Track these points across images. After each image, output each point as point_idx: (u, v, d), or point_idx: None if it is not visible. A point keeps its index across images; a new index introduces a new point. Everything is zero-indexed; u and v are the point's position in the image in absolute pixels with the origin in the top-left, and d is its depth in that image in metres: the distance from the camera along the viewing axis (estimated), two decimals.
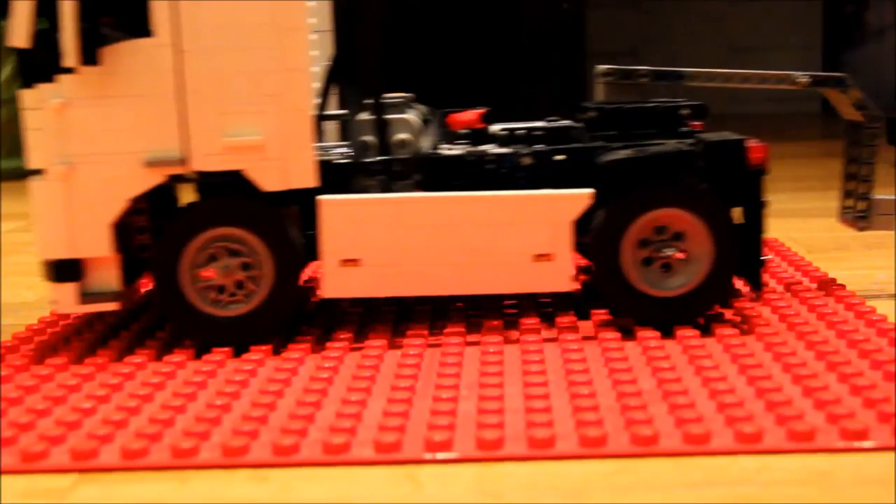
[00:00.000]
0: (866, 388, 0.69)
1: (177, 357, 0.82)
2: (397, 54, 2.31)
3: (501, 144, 0.88)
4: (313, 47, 1.01)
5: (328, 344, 0.84)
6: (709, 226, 0.84)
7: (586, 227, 0.84)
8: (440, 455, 0.63)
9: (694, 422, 0.65)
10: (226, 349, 0.83)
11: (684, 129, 0.90)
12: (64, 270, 0.82)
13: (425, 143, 0.88)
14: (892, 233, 1.25)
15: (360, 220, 0.83)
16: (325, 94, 0.90)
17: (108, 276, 0.83)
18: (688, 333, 0.83)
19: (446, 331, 0.87)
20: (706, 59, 3.10)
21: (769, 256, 0.93)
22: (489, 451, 0.63)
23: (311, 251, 0.85)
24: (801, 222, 1.37)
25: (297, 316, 0.91)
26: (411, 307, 0.94)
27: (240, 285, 0.84)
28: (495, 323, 0.89)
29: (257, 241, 0.83)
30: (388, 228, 0.83)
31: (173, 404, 0.71)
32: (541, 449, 0.63)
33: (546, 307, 0.94)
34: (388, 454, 0.63)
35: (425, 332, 0.87)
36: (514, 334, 0.86)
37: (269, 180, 0.82)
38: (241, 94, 0.81)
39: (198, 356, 0.83)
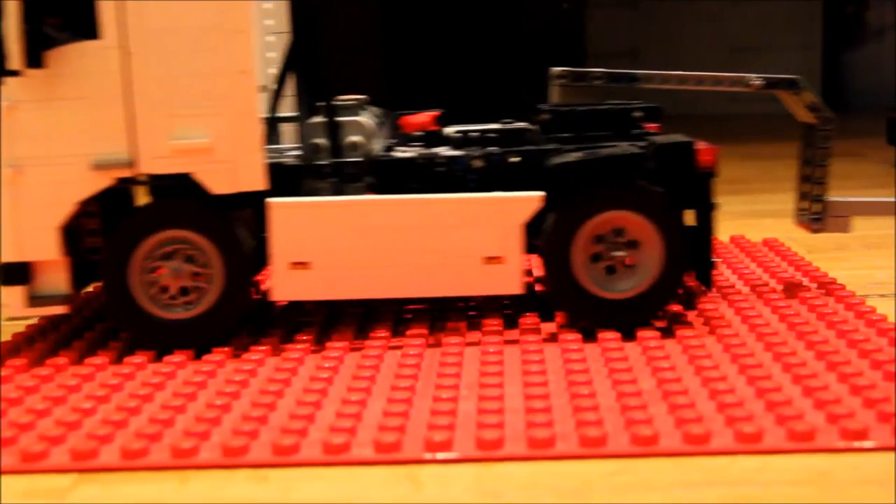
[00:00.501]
0: (866, 388, 0.69)
1: (177, 357, 0.82)
2: (397, 54, 2.31)
3: (455, 147, 0.88)
4: (273, 49, 1.01)
5: (328, 344, 0.84)
6: (659, 228, 0.84)
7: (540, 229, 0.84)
8: (440, 455, 0.63)
9: (694, 422, 0.65)
10: (225, 349, 0.83)
11: (638, 131, 0.90)
12: (12, 274, 0.82)
13: (377, 146, 0.88)
14: (893, 233, 1.26)
15: (310, 223, 0.83)
16: (277, 96, 0.90)
17: (57, 279, 0.83)
18: (687, 333, 0.83)
19: (446, 331, 0.87)
20: (706, 59, 3.10)
21: (719, 259, 0.93)
22: (489, 451, 0.63)
23: (264, 254, 0.85)
24: None
25: (251, 319, 0.90)
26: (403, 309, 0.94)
27: (184, 290, 0.83)
28: (495, 323, 0.89)
29: (207, 244, 0.83)
30: (337, 231, 0.83)
31: (173, 404, 0.71)
32: (541, 449, 0.63)
33: (508, 308, 0.94)
34: (388, 454, 0.63)
35: (425, 332, 0.87)
36: (515, 333, 0.86)
37: (218, 183, 0.82)
38: (189, 96, 0.81)
39: (197, 356, 0.83)
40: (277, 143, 0.94)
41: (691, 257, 0.87)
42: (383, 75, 2.15)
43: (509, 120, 0.90)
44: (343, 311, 0.93)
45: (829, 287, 0.98)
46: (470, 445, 0.64)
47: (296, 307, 0.95)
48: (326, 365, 0.79)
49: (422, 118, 0.90)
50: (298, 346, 0.84)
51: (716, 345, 0.82)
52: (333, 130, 0.87)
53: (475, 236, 0.83)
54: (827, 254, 1.17)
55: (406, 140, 0.90)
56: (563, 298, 0.85)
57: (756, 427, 0.63)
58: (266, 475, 0.62)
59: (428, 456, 0.63)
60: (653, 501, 0.57)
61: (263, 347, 0.84)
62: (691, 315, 0.90)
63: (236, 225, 0.84)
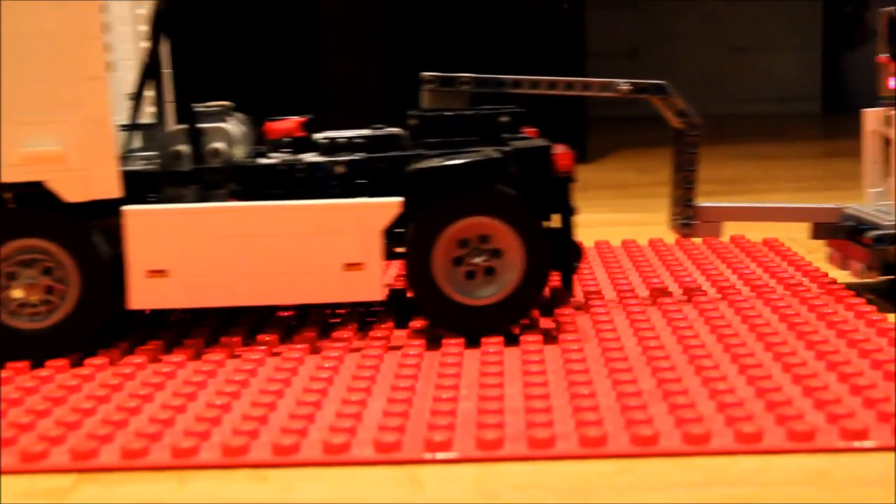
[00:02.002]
0: (866, 388, 0.69)
1: (177, 357, 0.82)
2: (397, 55, 2.31)
3: (323, 153, 0.87)
4: (134, 54, 0.99)
5: (328, 344, 0.84)
6: (519, 234, 0.84)
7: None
8: (440, 455, 0.63)
9: (694, 422, 0.65)
10: (225, 349, 0.83)
11: (512, 135, 0.89)
12: None
13: (240, 152, 0.88)
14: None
15: (167, 231, 0.82)
16: (136, 102, 0.89)
17: None
18: (687, 333, 0.83)
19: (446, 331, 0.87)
20: (706, 59, 3.11)
21: (577, 265, 0.94)
22: (489, 451, 0.63)
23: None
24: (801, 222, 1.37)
25: (113, 327, 0.88)
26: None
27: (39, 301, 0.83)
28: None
29: (62, 253, 0.82)
30: (195, 238, 0.83)
31: (173, 404, 0.71)
32: (541, 449, 0.63)
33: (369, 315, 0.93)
34: (388, 454, 0.63)
35: (425, 332, 0.87)
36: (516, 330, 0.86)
37: (71, 191, 0.81)
38: (40, 103, 0.80)
39: (198, 356, 0.83)
40: (144, 150, 0.92)
41: (554, 262, 0.86)
42: (382, 75, 2.15)
43: (380, 126, 0.89)
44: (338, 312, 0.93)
45: (829, 287, 0.98)
46: (470, 445, 0.64)
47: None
48: (326, 365, 0.79)
49: (286, 124, 0.90)
50: (298, 347, 0.84)
51: (715, 344, 0.82)
52: (195, 137, 0.86)
53: (334, 243, 0.83)
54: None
55: (276, 146, 0.90)
56: (425, 305, 0.85)
57: (756, 427, 0.63)
58: (266, 475, 0.62)
59: (428, 456, 0.63)
60: (653, 501, 0.57)
61: (263, 347, 0.84)
62: (691, 315, 0.90)
63: (94, 233, 0.82)
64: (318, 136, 0.89)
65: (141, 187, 0.84)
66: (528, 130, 0.93)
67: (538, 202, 0.85)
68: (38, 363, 0.82)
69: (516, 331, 0.85)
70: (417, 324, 0.89)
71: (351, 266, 0.83)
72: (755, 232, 1.25)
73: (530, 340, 0.83)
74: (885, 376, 0.72)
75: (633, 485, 0.59)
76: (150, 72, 0.88)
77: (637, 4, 3.04)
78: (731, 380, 0.73)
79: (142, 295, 0.83)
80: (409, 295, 0.91)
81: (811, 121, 2.79)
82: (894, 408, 0.65)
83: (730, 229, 1.25)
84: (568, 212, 0.88)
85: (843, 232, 0.96)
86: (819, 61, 3.00)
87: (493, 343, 0.83)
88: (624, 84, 0.93)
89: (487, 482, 0.60)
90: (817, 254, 1.16)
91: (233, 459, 0.63)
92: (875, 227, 0.93)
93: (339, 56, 2.14)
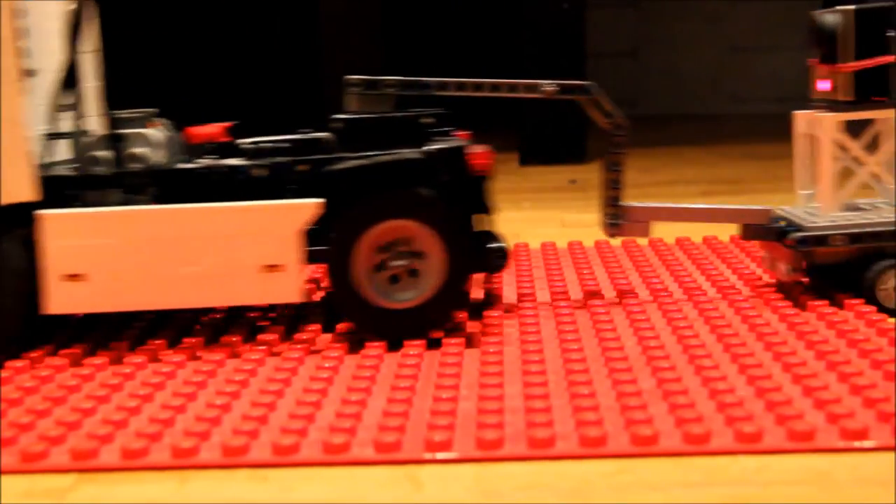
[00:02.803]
0: (866, 388, 0.69)
1: (177, 357, 0.82)
2: (396, 55, 2.31)
3: (249, 157, 0.87)
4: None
5: (328, 344, 0.84)
6: (440, 236, 0.83)
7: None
8: (440, 455, 0.63)
9: (694, 422, 0.65)
10: (225, 349, 0.83)
11: (439, 136, 0.89)
12: None
13: (161, 157, 0.87)
14: None
15: (83, 235, 0.82)
16: (56, 108, 0.88)
17: None
18: (687, 333, 0.83)
19: (446, 331, 0.87)
20: (706, 59, 3.10)
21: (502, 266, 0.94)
22: (489, 451, 0.63)
23: None
24: None
25: (35, 333, 0.88)
26: None
27: None
28: (495, 321, 0.89)
29: None
30: (112, 242, 0.82)
31: (173, 404, 0.71)
32: (541, 449, 0.63)
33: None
34: (388, 454, 0.63)
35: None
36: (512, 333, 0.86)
37: None
38: None
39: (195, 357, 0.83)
40: (69, 156, 0.91)
41: (475, 263, 0.86)
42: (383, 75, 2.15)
43: (307, 130, 0.89)
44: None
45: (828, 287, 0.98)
46: (470, 445, 0.64)
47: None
48: (326, 365, 0.79)
49: (209, 129, 0.90)
50: (298, 347, 0.84)
51: (716, 344, 0.82)
52: (115, 142, 0.86)
53: (253, 245, 0.83)
54: None
55: (200, 152, 0.89)
56: (346, 308, 0.85)
57: (756, 427, 0.63)
58: (266, 475, 0.62)
59: (428, 456, 0.63)
60: (653, 501, 0.57)
61: (263, 347, 0.84)
62: (690, 315, 0.90)
63: (6, 239, 0.82)
64: (243, 140, 0.88)
65: (61, 193, 0.84)
66: (460, 133, 0.93)
67: (456, 203, 0.85)
68: None
69: (439, 334, 0.85)
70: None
71: (270, 268, 0.83)
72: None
73: (530, 340, 0.83)
74: (885, 376, 0.72)
75: (633, 485, 0.59)
76: (68, 79, 0.87)
77: (637, 4, 3.04)
78: (731, 380, 0.73)
79: (58, 299, 0.83)
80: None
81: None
82: (894, 408, 0.65)
83: (731, 229, 1.25)
84: (484, 212, 0.87)
85: (770, 233, 0.96)
86: None
87: (493, 343, 0.83)
88: (549, 85, 0.93)
89: (487, 482, 0.60)
90: None
91: (233, 459, 0.63)
92: (800, 228, 0.93)
93: (339, 57, 2.13)
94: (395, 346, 0.83)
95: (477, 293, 1.00)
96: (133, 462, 0.64)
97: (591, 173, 1.97)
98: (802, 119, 0.99)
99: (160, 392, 0.75)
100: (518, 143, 2.16)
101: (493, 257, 0.88)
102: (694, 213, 1.01)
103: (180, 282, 0.83)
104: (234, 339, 0.86)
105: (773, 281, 1.02)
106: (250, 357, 0.81)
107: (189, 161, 0.88)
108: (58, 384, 0.77)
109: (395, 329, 0.84)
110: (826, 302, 0.92)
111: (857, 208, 0.97)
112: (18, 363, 0.82)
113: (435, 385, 0.73)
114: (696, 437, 0.63)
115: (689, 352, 0.79)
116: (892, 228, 0.91)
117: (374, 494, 0.59)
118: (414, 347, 0.82)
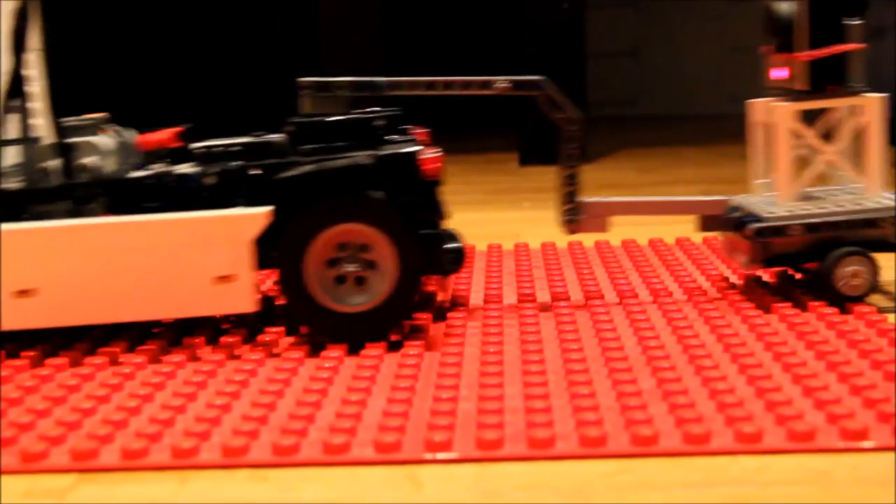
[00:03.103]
0: (866, 388, 0.69)
1: (177, 357, 0.82)
2: (396, 55, 2.31)
3: (200, 163, 0.87)
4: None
5: (328, 345, 0.84)
6: (391, 240, 0.83)
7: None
8: (440, 455, 0.63)
9: (694, 422, 0.65)
10: (225, 349, 0.83)
11: (402, 137, 0.89)
12: None
13: (111, 166, 0.87)
14: None
15: (33, 249, 0.81)
16: (2, 112, 0.87)
17: None
18: (687, 333, 0.83)
19: (446, 332, 0.87)
20: (706, 59, 3.10)
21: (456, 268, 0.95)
22: (489, 451, 0.63)
23: None
24: None
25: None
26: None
27: None
28: (496, 319, 0.89)
29: None
30: (63, 256, 0.82)
31: (173, 404, 0.71)
32: (541, 449, 0.63)
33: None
34: (388, 454, 0.63)
35: (425, 332, 0.87)
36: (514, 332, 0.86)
37: None
38: None
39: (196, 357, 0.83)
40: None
41: (427, 267, 0.86)
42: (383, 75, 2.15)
43: (260, 133, 0.89)
44: None
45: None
46: (470, 445, 0.64)
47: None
48: (326, 365, 0.79)
49: (160, 135, 0.89)
50: (298, 347, 0.84)
51: (715, 344, 0.82)
52: (64, 152, 0.85)
53: (204, 255, 0.82)
54: None
55: (154, 159, 0.89)
56: (298, 312, 0.84)
57: (756, 427, 0.63)
58: (266, 475, 0.62)
59: (428, 456, 0.63)
60: (653, 501, 0.57)
61: (263, 347, 0.84)
62: (690, 315, 0.90)
63: None
64: (195, 145, 0.88)
65: (8, 207, 0.83)
66: (418, 132, 0.93)
67: (408, 207, 0.84)
68: None
69: (395, 337, 0.85)
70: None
71: (222, 278, 0.83)
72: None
73: (530, 340, 0.83)
74: (885, 377, 0.72)
75: (633, 485, 0.59)
76: (14, 85, 0.86)
77: (637, 4, 3.04)
78: (731, 380, 0.73)
79: (9, 316, 0.82)
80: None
81: (811, 121, 2.78)
82: (894, 408, 0.65)
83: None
84: (437, 216, 0.87)
85: (728, 224, 0.96)
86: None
87: (493, 343, 0.83)
88: (502, 82, 0.93)
89: (487, 482, 0.60)
90: None
91: (233, 459, 0.63)
92: (757, 219, 0.92)
93: (339, 57, 2.13)
94: (354, 350, 0.82)
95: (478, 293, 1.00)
96: (133, 462, 0.64)
97: (591, 173, 1.97)
98: (758, 108, 0.99)
99: (160, 392, 0.75)
100: (518, 143, 2.16)
101: (445, 259, 0.88)
102: (651, 206, 1.00)
103: (132, 294, 0.82)
104: (232, 339, 0.86)
105: (773, 280, 1.02)
106: (250, 357, 0.81)
107: (140, 169, 0.87)
108: (58, 384, 0.77)
109: (348, 332, 0.84)
110: (826, 302, 0.92)
111: (814, 197, 0.97)
112: (18, 363, 0.82)
113: (435, 385, 0.73)
114: (696, 437, 0.63)
115: (689, 352, 0.79)
116: (849, 217, 0.91)
117: (374, 494, 0.59)
118: (414, 348, 0.82)
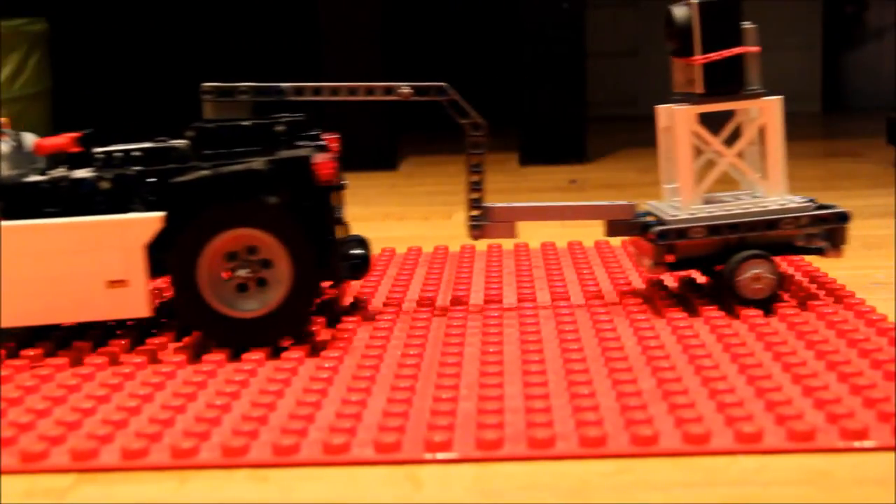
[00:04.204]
0: (866, 388, 0.69)
1: (177, 357, 0.82)
2: (395, 56, 2.31)
3: (98, 168, 0.86)
4: None
5: (327, 345, 0.84)
6: (285, 245, 0.82)
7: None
8: (440, 455, 0.63)
9: (694, 422, 0.65)
10: (225, 350, 0.83)
11: (311, 141, 0.90)
12: None
13: (6, 171, 0.86)
14: (892, 233, 1.25)
15: None
16: None
17: None
18: (687, 333, 0.83)
19: (446, 331, 0.87)
20: None
21: (358, 275, 0.96)
22: (489, 451, 0.63)
23: None
24: None
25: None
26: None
27: None
28: (495, 319, 0.89)
29: None
30: None
31: (173, 404, 0.71)
32: (541, 449, 0.63)
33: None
34: (388, 454, 0.63)
35: (425, 332, 0.87)
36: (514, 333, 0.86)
37: None
38: None
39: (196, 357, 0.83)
40: None
41: (324, 272, 0.85)
42: (382, 77, 2.15)
43: (163, 138, 0.88)
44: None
45: (829, 287, 0.98)
46: (470, 445, 0.64)
47: None
48: (326, 365, 0.79)
49: (58, 140, 0.88)
50: (298, 347, 0.84)
51: (716, 344, 0.82)
52: None
53: (97, 260, 0.82)
54: None
55: (54, 163, 0.88)
56: (191, 318, 0.84)
57: (756, 427, 0.63)
58: (266, 475, 0.62)
59: (428, 456, 0.63)
60: (653, 501, 0.57)
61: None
62: (691, 315, 0.90)
63: None
64: (97, 150, 0.88)
65: None
66: (328, 137, 0.93)
67: (303, 212, 0.84)
68: None
69: (285, 343, 0.84)
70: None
71: (114, 283, 0.82)
72: None
73: (530, 340, 0.83)
74: (885, 376, 0.72)
75: (633, 485, 0.59)
76: None
77: (637, 4, 3.03)
78: (731, 380, 0.73)
79: None
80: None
81: (811, 121, 2.79)
82: (894, 408, 0.65)
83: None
84: (331, 221, 0.86)
85: (634, 228, 0.96)
86: (819, 61, 3.00)
87: (493, 343, 0.83)
88: (405, 87, 0.93)
89: (487, 482, 0.60)
90: None
91: (233, 459, 0.63)
92: (662, 222, 0.92)
93: (339, 61, 2.13)
94: (236, 354, 0.82)
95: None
96: (133, 462, 0.64)
97: (591, 173, 1.98)
98: (664, 112, 0.99)
99: (160, 392, 0.75)
100: (518, 143, 2.16)
101: (340, 266, 0.87)
102: (558, 211, 0.99)
103: (25, 299, 0.82)
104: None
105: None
106: (250, 357, 0.81)
107: (37, 174, 0.87)
108: (58, 384, 0.77)
109: (241, 338, 0.83)
110: (826, 302, 0.92)
111: (719, 200, 0.96)
112: (18, 363, 0.82)
113: (435, 385, 0.73)
114: (696, 437, 0.63)
115: (689, 352, 0.79)
116: (750, 219, 0.91)
117: (374, 494, 0.59)
118: (414, 348, 0.82)
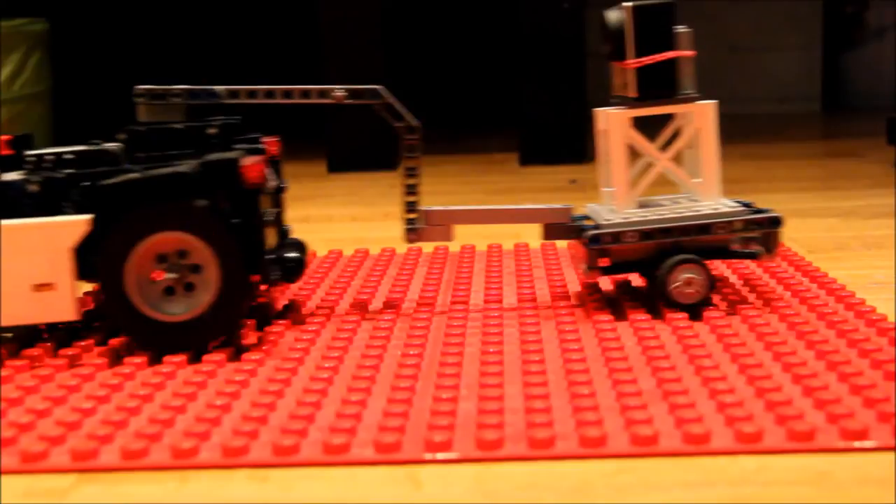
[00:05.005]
0: (866, 388, 0.69)
1: (177, 357, 0.82)
2: (395, 57, 2.31)
3: (29, 171, 0.86)
4: None
5: (328, 345, 0.84)
6: (213, 249, 0.82)
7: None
8: (440, 455, 0.63)
9: (694, 422, 0.65)
10: (226, 350, 0.83)
11: (246, 145, 0.89)
12: None
13: None
14: (892, 233, 1.25)
15: None
16: None
17: None
18: (688, 333, 0.83)
19: (446, 331, 0.87)
20: (706, 59, 3.10)
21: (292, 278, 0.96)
22: (489, 452, 0.63)
23: None
24: (801, 222, 1.37)
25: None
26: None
27: None
28: (495, 319, 0.89)
29: None
30: None
31: (173, 404, 0.71)
32: (541, 449, 0.63)
33: None
34: (388, 454, 0.63)
35: (425, 332, 0.87)
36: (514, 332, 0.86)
37: None
38: None
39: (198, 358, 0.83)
40: None
41: (251, 276, 0.85)
42: (382, 78, 2.15)
43: (97, 141, 0.88)
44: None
45: (829, 287, 0.98)
46: (470, 445, 0.64)
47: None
48: (326, 365, 0.79)
49: None
50: (299, 347, 0.84)
51: (716, 344, 0.82)
52: None
53: (22, 263, 0.82)
54: (827, 254, 1.17)
55: None
56: (120, 322, 0.84)
57: (756, 427, 0.63)
58: (266, 475, 0.62)
59: (428, 456, 0.63)
60: (653, 501, 0.57)
61: (264, 347, 0.84)
62: (689, 316, 0.90)
63: None
64: (28, 153, 0.87)
65: None
66: (268, 140, 0.92)
67: (233, 215, 0.83)
68: None
69: (209, 347, 0.84)
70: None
71: (41, 287, 0.82)
72: None
73: (530, 340, 0.83)
74: (885, 376, 0.72)
75: (633, 485, 0.59)
76: None
77: None
78: (731, 380, 0.73)
79: None
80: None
81: (811, 121, 2.79)
82: (894, 408, 0.65)
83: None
84: (259, 224, 0.85)
85: (570, 232, 0.96)
86: (819, 61, 3.00)
87: (493, 343, 0.83)
88: (339, 90, 0.93)
89: (487, 482, 0.60)
90: (817, 253, 1.16)
91: (233, 459, 0.63)
92: (595, 226, 0.92)
93: (340, 62, 2.13)
94: (157, 359, 0.82)
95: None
96: (133, 462, 0.64)
97: (591, 173, 1.97)
98: (600, 116, 0.99)
99: (160, 392, 0.75)
100: (518, 143, 2.16)
101: (270, 270, 0.87)
102: (494, 214, 0.99)
103: None
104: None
105: (773, 281, 1.02)
106: (250, 357, 0.81)
107: None
108: (58, 384, 0.77)
109: (168, 342, 0.83)
110: (826, 302, 0.92)
111: (657, 204, 0.96)
112: (18, 363, 0.82)
113: (435, 385, 0.73)
114: (696, 437, 0.63)
115: (689, 352, 0.79)
116: (683, 224, 0.91)
117: (374, 494, 0.59)
118: (414, 348, 0.82)
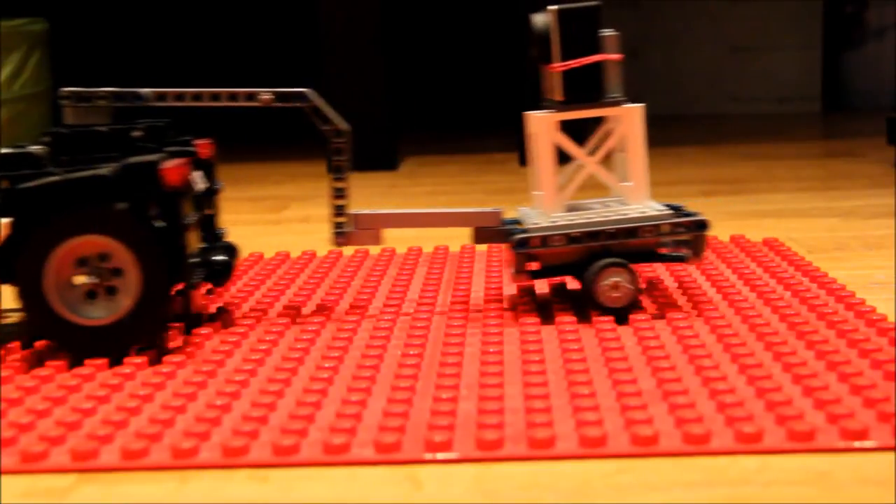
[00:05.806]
0: (866, 388, 0.69)
1: (177, 357, 0.82)
2: (394, 57, 2.31)
3: None
4: None
5: (328, 344, 0.84)
6: (133, 252, 0.82)
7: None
8: (440, 455, 0.63)
9: (694, 422, 0.65)
10: (226, 350, 0.83)
11: (177, 147, 0.89)
12: None
13: None
14: (892, 233, 1.26)
15: None
16: None
17: None
18: (688, 333, 0.83)
19: (446, 331, 0.87)
20: (706, 59, 3.10)
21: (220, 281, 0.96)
22: (489, 452, 0.63)
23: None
24: (801, 222, 1.37)
25: None
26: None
27: None
28: (495, 319, 0.89)
29: None
30: None
31: (173, 404, 0.71)
32: (541, 449, 0.63)
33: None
34: (388, 454, 0.63)
35: (425, 332, 0.87)
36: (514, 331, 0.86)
37: None
38: None
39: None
40: None
41: (174, 279, 0.84)
42: (382, 79, 2.15)
43: (23, 144, 0.87)
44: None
45: (829, 287, 0.98)
46: (470, 445, 0.64)
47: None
48: (326, 365, 0.79)
49: None
50: (299, 347, 0.84)
51: (716, 344, 0.82)
52: None
53: None
54: (827, 254, 1.17)
55: None
56: (39, 326, 0.83)
57: (756, 427, 0.63)
58: (266, 475, 0.62)
59: (428, 456, 0.63)
60: (653, 501, 0.57)
61: (264, 347, 0.84)
62: (689, 316, 0.90)
63: None
64: None
65: None
66: (200, 143, 0.92)
67: (156, 219, 0.82)
68: None
69: (132, 351, 0.83)
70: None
71: None
72: (755, 232, 1.25)
73: (530, 340, 0.83)
74: (885, 376, 0.72)
75: (633, 485, 0.59)
76: None
77: (637, 4, 3.04)
78: (731, 380, 0.73)
79: None
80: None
81: (811, 121, 2.79)
82: (894, 408, 0.65)
83: (730, 229, 1.25)
84: (180, 228, 0.84)
85: (500, 236, 0.95)
86: (819, 61, 3.00)
87: (493, 343, 0.83)
88: (266, 94, 0.92)
89: (487, 482, 0.60)
90: (818, 253, 1.16)
91: (233, 459, 0.63)
92: (523, 230, 0.92)
93: (339, 63, 2.14)
94: (77, 363, 0.81)
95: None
96: (133, 462, 0.64)
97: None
98: (529, 119, 0.99)
99: (160, 392, 0.75)
100: (518, 143, 2.16)
101: (192, 273, 0.86)
102: (424, 218, 0.99)
103: None
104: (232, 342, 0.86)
105: (773, 281, 1.02)
106: (250, 357, 0.81)
107: None
108: (58, 384, 0.77)
109: (88, 346, 0.82)
110: (826, 302, 0.92)
111: (587, 208, 0.96)
112: (18, 363, 0.82)
113: (435, 385, 0.73)
114: (696, 437, 0.63)
115: (689, 352, 0.79)
116: (609, 227, 0.91)
117: (374, 494, 0.59)
118: (414, 348, 0.82)
